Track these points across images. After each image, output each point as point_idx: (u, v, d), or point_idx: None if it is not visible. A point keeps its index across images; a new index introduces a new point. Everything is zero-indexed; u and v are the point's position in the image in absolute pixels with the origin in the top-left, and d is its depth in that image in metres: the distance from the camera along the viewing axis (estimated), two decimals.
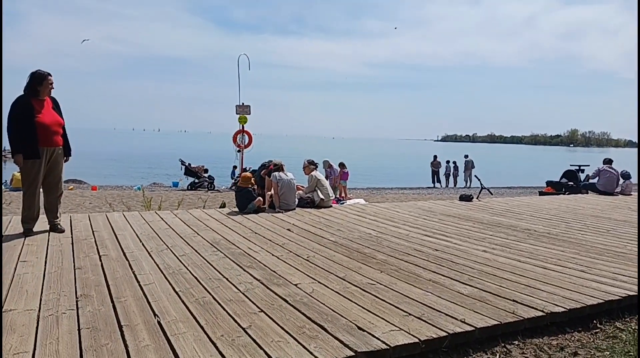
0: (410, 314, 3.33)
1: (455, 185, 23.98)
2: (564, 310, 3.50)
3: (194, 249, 5.04)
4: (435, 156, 24.43)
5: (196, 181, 18.88)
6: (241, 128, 15.96)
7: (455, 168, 24.36)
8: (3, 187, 15.90)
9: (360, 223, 7.00)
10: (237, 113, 15.79)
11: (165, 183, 22.16)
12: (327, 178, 12.55)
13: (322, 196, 8.48)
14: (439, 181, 24.08)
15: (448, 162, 24.41)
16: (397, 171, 38.47)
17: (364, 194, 18.53)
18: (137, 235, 5.67)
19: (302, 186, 9.08)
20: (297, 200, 8.32)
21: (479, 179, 11.76)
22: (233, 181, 19.08)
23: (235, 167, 17.31)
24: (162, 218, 6.88)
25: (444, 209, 8.72)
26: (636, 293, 3.86)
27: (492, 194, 13.28)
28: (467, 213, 8.28)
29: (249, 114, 15.89)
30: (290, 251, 5.05)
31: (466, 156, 24.10)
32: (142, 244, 5.19)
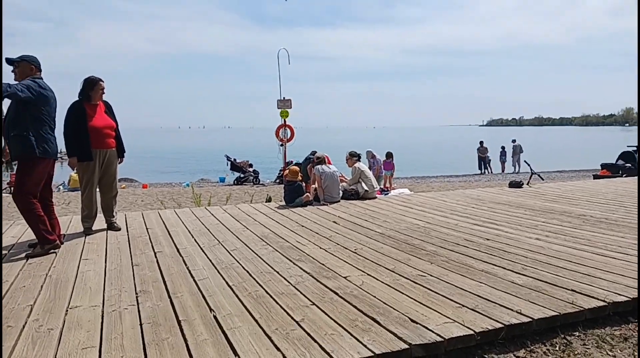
0: (463, 306, 3.28)
1: (503, 171, 23.33)
2: (627, 299, 3.35)
3: (244, 243, 5.14)
4: (481, 142, 23.83)
5: (242, 176, 19.23)
6: (283, 122, 16.08)
7: (503, 153, 23.70)
8: (61, 188, 16.72)
9: (407, 213, 6.94)
10: (278, 107, 15.91)
11: (212, 178, 22.70)
12: (370, 168, 12.50)
13: (366, 188, 8.45)
14: (486, 168, 23.49)
15: (494, 150, 23.78)
16: (441, 159, 37.81)
17: (408, 183, 18.33)
18: (189, 231, 5.84)
19: (345, 178, 9.09)
20: (341, 192, 8.33)
21: (528, 165, 11.39)
22: (277, 174, 19.30)
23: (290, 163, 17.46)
24: (212, 214, 7.05)
25: (493, 196, 8.51)
26: None
27: (542, 179, 12.85)
28: (517, 199, 8.05)
29: (290, 108, 15.97)
30: (338, 244, 5.07)
31: (514, 141, 23.43)
32: (195, 240, 5.34)
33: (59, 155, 5.05)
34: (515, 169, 22.86)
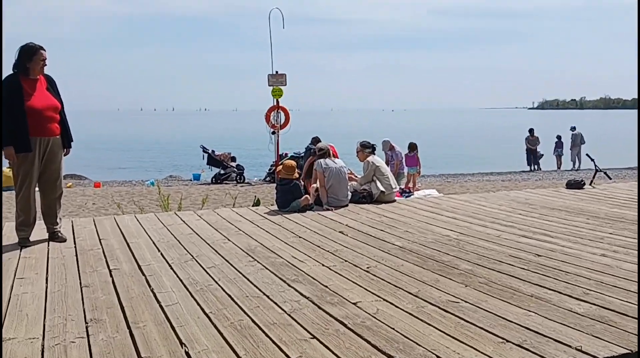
0: (507, 341, 3.29)
1: (559, 168, 23.33)
2: None
3: (225, 259, 5.16)
4: (531, 130, 23.80)
5: (222, 172, 19.28)
6: (275, 104, 16.13)
7: (559, 144, 23.69)
8: None
9: (435, 221, 6.95)
10: (269, 85, 15.95)
11: (184, 175, 22.77)
12: (387, 163, 12.50)
13: (382, 188, 8.48)
14: (536, 164, 23.48)
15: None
16: (479, 152, 37.85)
17: (436, 183, 18.35)
18: (154, 242, 5.86)
19: (355, 175, 9.10)
20: (349, 194, 8.35)
21: (592, 159, 11.37)
22: (268, 171, 19.34)
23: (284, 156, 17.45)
24: (183, 221, 7.08)
25: (545, 200, 8.52)
26: None
27: (610, 178, 12.81)
28: (577, 204, 8.06)
29: (285, 85, 16.02)
30: (345, 261, 5.09)
31: (573, 129, 23.38)
32: (161, 254, 5.36)
33: None
34: (574, 166, 22.87)
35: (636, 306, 3.81)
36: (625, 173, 20.66)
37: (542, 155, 23.58)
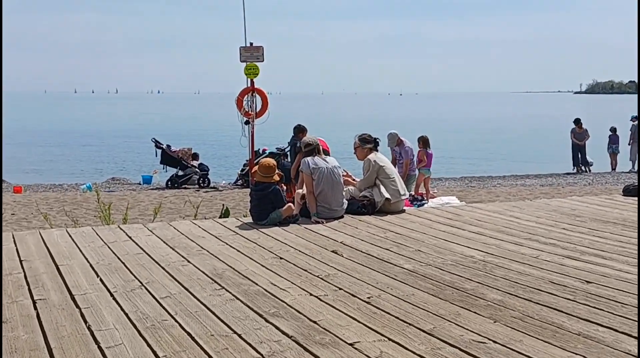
0: None
1: (614, 169, 23.43)
2: None
3: (183, 287, 5.14)
4: (577, 121, 23.84)
5: (180, 173, 19.22)
6: (250, 85, 16.11)
7: (614, 139, 23.76)
8: None
9: (454, 238, 6.96)
10: (242, 61, 15.94)
11: (131, 177, 22.68)
12: (394, 162, 12.50)
13: (386, 194, 8.49)
14: (585, 163, 23.55)
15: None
16: (512, 148, 38.01)
17: (456, 188, 18.40)
18: (91, 265, 5.82)
19: (353, 178, 9.10)
20: (345, 202, 8.36)
21: None
22: (240, 171, 19.31)
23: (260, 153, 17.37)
24: (129, 237, 7.04)
25: (597, 211, 8.57)
26: None
27: None
28: (637, 216, 8.09)
29: (262, 61, 16.00)
30: (340, 289, 5.08)
31: (634, 119, 23.35)
32: (101, 280, 5.33)
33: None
34: (634, 166, 22.92)
35: None
36: None
37: (592, 164, 23.45)
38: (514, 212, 8.59)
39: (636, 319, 4.34)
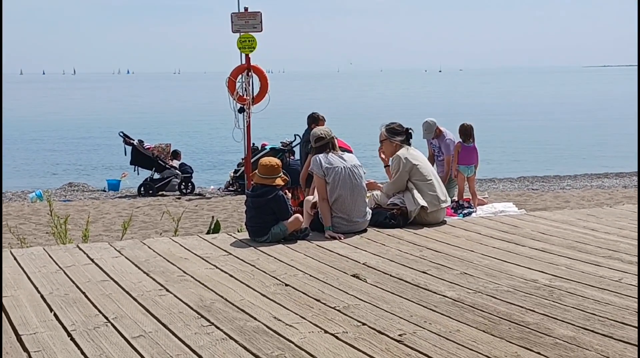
0: None
1: None
2: None
3: (161, 323, 5.14)
4: None
5: (156, 176, 19.24)
6: (245, 62, 16.11)
7: None
8: None
9: (512, 257, 6.94)
10: (234, 30, 15.93)
11: (94, 182, 22.76)
12: (433, 159, 12.46)
13: (422, 202, 8.48)
14: None
15: None
16: (585, 139, 37.83)
17: (514, 192, 18.34)
18: (42, 296, 5.82)
19: (376, 183, 9.10)
20: (369, 211, 8.35)
21: None
22: (232, 174, 19.31)
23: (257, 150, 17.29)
24: (91, 259, 7.05)
25: None
26: None
27: None
28: None
29: (260, 31, 15.97)
30: (363, 324, 5.07)
31: None
32: (55, 315, 5.32)
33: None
34: None
35: None
36: None
37: None
38: (589, 222, 8.55)
39: None
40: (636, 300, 5.50)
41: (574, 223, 8.58)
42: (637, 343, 4.61)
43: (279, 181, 7.93)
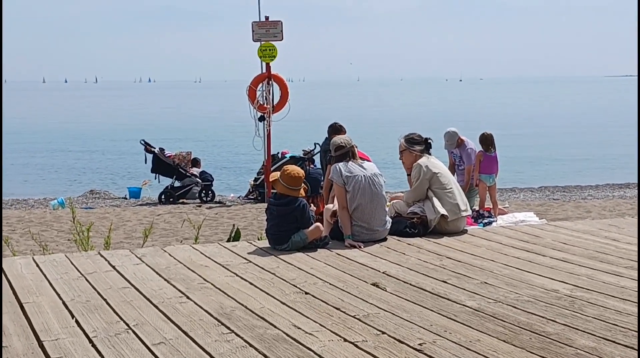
0: None
1: None
2: None
3: (181, 330, 5.14)
4: None
5: (177, 184, 19.29)
6: (265, 70, 16.15)
7: None
8: None
9: (533, 266, 6.91)
10: (255, 39, 15.99)
11: (115, 190, 22.84)
12: (453, 169, 12.43)
13: (442, 210, 8.45)
14: None
15: None
16: (607, 148, 37.66)
17: (535, 201, 18.27)
18: (64, 303, 5.83)
19: (396, 193, 9.07)
20: (389, 220, 8.33)
21: None
22: (252, 182, 19.33)
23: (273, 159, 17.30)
24: (113, 266, 7.07)
25: None
26: None
27: None
28: None
29: (281, 40, 16.02)
30: (383, 333, 5.06)
31: None
32: (77, 322, 5.34)
33: None
34: None
35: None
36: None
37: None
38: (611, 233, 8.50)
39: None
40: None
41: (596, 233, 8.54)
42: None
43: (302, 192, 7.95)
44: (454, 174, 10.73)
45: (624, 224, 9.15)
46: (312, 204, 8.72)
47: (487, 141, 12.97)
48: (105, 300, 5.94)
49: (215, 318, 5.42)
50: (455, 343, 4.84)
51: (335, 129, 12.37)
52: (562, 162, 31.09)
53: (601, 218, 11.98)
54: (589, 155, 34.45)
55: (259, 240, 8.86)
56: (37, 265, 7.15)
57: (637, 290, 6.01)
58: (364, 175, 8.14)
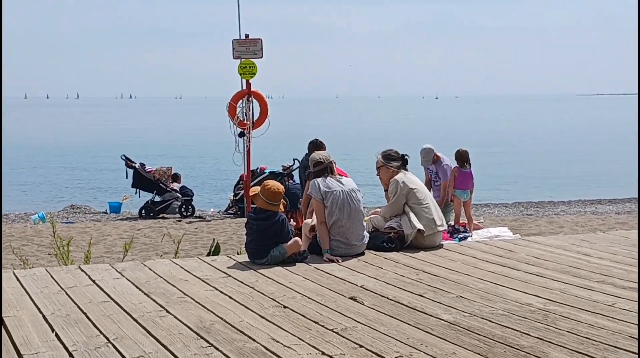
0: None
1: None
2: None
3: (161, 344, 5.14)
4: None
5: (157, 198, 19.26)
6: (245, 87, 16.18)
7: None
8: None
9: (506, 281, 6.94)
10: (235, 57, 16.01)
11: (95, 205, 22.74)
12: (429, 185, 12.49)
13: (419, 225, 8.49)
14: None
15: None
16: (579, 165, 37.86)
17: (509, 217, 18.33)
18: (44, 316, 5.82)
19: (375, 209, 9.10)
20: (366, 235, 8.37)
21: None
22: (232, 197, 19.32)
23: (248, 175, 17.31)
24: (93, 281, 7.06)
25: None
26: None
27: None
28: None
29: (260, 57, 16.04)
30: (360, 346, 5.07)
31: None
32: (57, 336, 5.33)
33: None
34: None
35: None
36: None
37: None
38: (583, 248, 8.55)
39: None
40: (630, 324, 5.51)
41: (568, 248, 8.59)
42: None
43: (281, 207, 7.98)
44: (430, 190, 10.79)
45: (596, 239, 9.20)
46: (291, 219, 8.74)
47: (462, 157, 13.04)
48: (85, 313, 5.93)
49: (195, 332, 5.43)
50: (431, 356, 4.87)
51: (316, 145, 12.39)
52: (536, 178, 31.21)
53: (573, 233, 12.04)
54: (562, 172, 34.62)
55: (238, 254, 8.86)
56: (18, 279, 7.13)
57: (611, 304, 6.06)
58: (342, 190, 8.16)
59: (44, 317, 5.85)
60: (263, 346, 5.10)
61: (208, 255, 9.61)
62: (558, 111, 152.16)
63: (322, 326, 5.56)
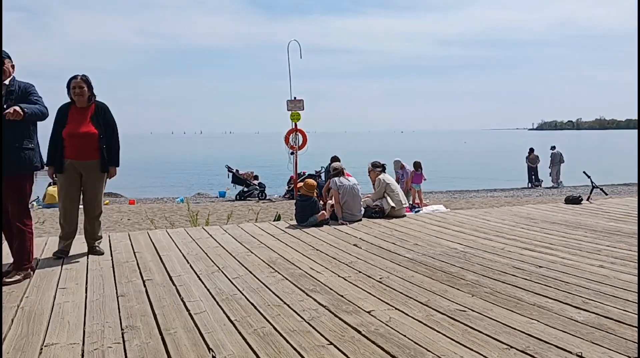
0: (511, 347, 3.25)
1: (557, 184, 23.04)
2: None
3: (248, 270, 5.16)
4: (531, 149, 23.59)
5: (245, 189, 19.37)
6: (294, 127, 16.19)
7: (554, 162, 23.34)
8: (35, 204, 16.98)
9: (442, 235, 6.91)
10: (288, 109, 16.03)
11: (211, 192, 22.87)
12: (398, 181, 12.48)
13: (392, 204, 8.45)
14: (537, 180, 23.25)
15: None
16: (484, 170, 37.61)
17: (443, 199, 18.24)
18: (183, 255, 5.88)
19: (367, 195, 9.09)
20: (363, 209, 8.35)
21: (588, 176, 11.23)
22: (287, 188, 19.39)
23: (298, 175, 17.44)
24: (210, 235, 7.10)
25: (546, 215, 8.43)
26: None
27: (606, 194, 12.67)
28: (576, 219, 7.96)
29: (302, 109, 16.08)
30: (360, 272, 5.07)
31: (552, 148, 22.87)
32: (190, 266, 5.37)
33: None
34: (555, 183, 22.43)
35: (634, 315, 3.75)
36: (621, 189, 20.38)
37: (542, 181, 23.12)
38: (486, 216, 8.50)
39: (576, 294, 4.26)
40: (514, 260, 5.46)
41: (478, 216, 8.52)
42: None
43: (314, 194, 8.00)
44: (399, 184, 10.73)
45: (493, 211, 9.12)
46: (320, 201, 8.71)
47: (416, 165, 13.19)
48: (206, 253, 5.96)
49: (267, 264, 5.44)
50: (400, 278, 4.84)
51: (335, 159, 12.55)
52: (460, 178, 31.02)
53: (480, 208, 11.96)
54: (473, 173, 34.50)
55: (290, 220, 8.86)
56: (169, 234, 7.18)
57: (501, 248, 6.02)
58: (348, 184, 8.15)
59: (183, 255, 5.88)
60: (305, 272, 5.08)
61: (274, 220, 9.62)
62: (470, 138, 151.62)
63: (338, 260, 5.54)
